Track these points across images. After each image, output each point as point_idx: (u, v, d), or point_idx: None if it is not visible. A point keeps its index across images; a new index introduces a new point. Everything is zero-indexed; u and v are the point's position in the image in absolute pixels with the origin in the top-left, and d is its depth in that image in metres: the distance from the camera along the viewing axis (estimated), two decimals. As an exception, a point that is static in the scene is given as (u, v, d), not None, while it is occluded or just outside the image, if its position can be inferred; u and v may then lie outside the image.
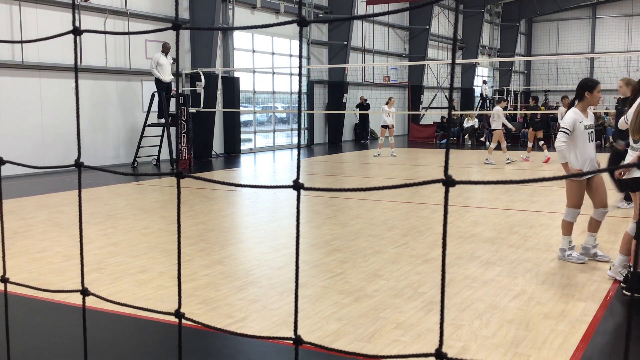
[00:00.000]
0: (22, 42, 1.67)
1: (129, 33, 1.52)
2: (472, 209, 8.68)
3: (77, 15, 13.78)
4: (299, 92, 1.17)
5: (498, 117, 14.77)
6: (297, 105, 21.44)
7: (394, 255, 6.05)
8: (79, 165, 1.50)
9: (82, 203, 9.05)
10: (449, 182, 1.05)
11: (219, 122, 17.53)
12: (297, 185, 1.15)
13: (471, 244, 6.55)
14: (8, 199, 9.65)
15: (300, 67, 1.21)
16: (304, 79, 21.62)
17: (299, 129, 1.20)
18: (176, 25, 1.30)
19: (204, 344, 3.92)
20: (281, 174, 13.81)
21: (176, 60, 1.64)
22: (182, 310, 4.77)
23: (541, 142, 16.29)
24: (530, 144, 16.33)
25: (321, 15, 21.62)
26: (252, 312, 4.48)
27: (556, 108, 28.25)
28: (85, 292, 1.49)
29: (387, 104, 17.13)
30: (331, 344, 3.87)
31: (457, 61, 30.66)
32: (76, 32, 1.43)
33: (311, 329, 4.13)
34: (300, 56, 1.19)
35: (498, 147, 15.28)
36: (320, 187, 1.27)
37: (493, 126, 14.97)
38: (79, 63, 14.85)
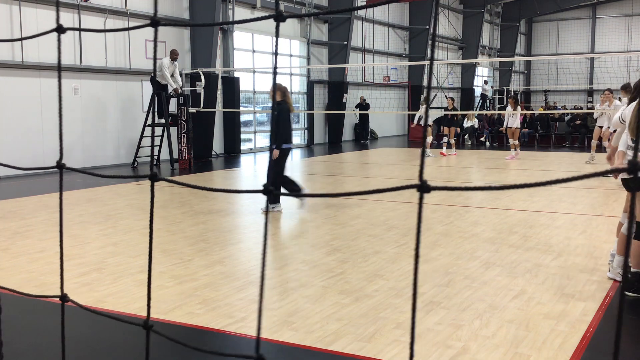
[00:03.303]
0: (7, 40, 1.66)
1: (110, 30, 1.50)
2: (472, 209, 8.69)
3: (75, 15, 13.77)
4: (273, 89, 1.16)
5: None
6: (296, 105, 21.48)
7: (394, 255, 6.05)
8: (60, 166, 1.49)
9: (83, 203, 9.03)
10: (424, 187, 0.99)
11: (219, 122, 17.53)
12: (266, 190, 1.14)
13: (471, 244, 6.55)
14: (8, 199, 9.65)
15: (275, 67, 1.21)
16: (304, 79, 21.60)
17: (276, 131, 1.19)
18: (154, 21, 1.28)
19: (204, 344, 3.92)
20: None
21: (154, 58, 1.62)
22: (181, 310, 4.75)
23: (445, 139, 17.54)
24: (452, 141, 17.48)
25: (315, 12, 21.58)
26: (252, 312, 4.48)
27: (555, 108, 28.26)
28: (64, 299, 1.48)
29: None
30: (331, 344, 3.87)
31: (458, 61, 30.69)
32: (60, 30, 1.42)
33: (311, 329, 4.13)
34: (275, 53, 1.18)
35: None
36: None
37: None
38: (78, 63, 14.84)
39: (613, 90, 14.38)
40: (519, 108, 16.42)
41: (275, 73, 1.21)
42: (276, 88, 8.92)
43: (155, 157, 14.86)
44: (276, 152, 8.27)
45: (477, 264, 5.72)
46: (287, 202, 8.89)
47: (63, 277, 1.55)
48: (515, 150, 16.21)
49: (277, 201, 8.57)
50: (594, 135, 14.84)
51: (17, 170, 12.10)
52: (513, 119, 16.31)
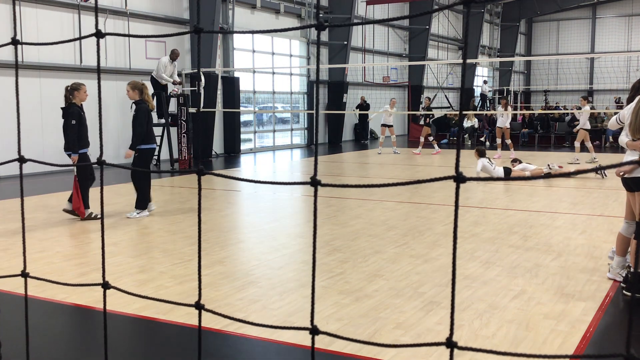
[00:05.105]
0: (43, 44, 1.67)
1: (149, 36, 1.51)
2: (472, 209, 8.68)
3: (76, 15, 13.78)
4: (317, 93, 1.18)
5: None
6: (296, 105, 21.50)
7: (394, 255, 6.05)
8: (101, 163, 1.51)
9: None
10: (460, 178, 1.09)
11: (219, 122, 17.53)
12: (314, 182, 1.17)
13: (471, 244, 6.55)
14: (8, 199, 9.66)
15: (317, 69, 1.22)
16: (304, 79, 21.61)
17: (316, 129, 1.21)
18: (198, 29, 1.31)
19: (204, 344, 3.92)
20: (281, 174, 13.81)
21: (198, 65, 1.65)
22: (182, 310, 4.75)
23: (431, 138, 18.43)
24: (421, 139, 18.27)
25: (321, 15, 21.60)
26: (252, 312, 4.48)
27: (556, 108, 28.28)
28: (106, 286, 1.50)
29: (389, 104, 18.26)
30: (331, 344, 3.87)
31: (458, 61, 30.70)
32: (99, 35, 1.44)
33: (311, 329, 4.13)
34: (318, 59, 1.20)
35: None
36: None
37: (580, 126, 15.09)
38: (78, 63, 14.82)
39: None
40: (509, 108, 16.61)
41: (317, 78, 1.22)
42: (133, 87, 8.64)
43: (155, 157, 14.86)
44: (129, 152, 7.99)
45: (477, 264, 5.72)
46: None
47: (105, 266, 1.56)
48: (509, 150, 16.36)
49: (144, 207, 8.13)
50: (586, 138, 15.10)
51: (17, 170, 12.11)
52: (503, 119, 16.45)
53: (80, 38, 1.62)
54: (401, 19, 1.22)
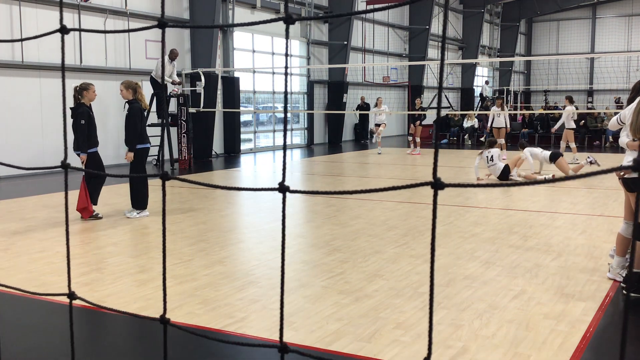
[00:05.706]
0: (10, 41, 1.67)
1: (114, 31, 1.51)
2: (472, 209, 8.68)
3: (76, 16, 13.77)
4: (285, 92, 1.17)
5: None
6: (296, 105, 21.50)
7: (394, 255, 6.05)
8: (65, 166, 1.50)
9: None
10: (437, 184, 1.04)
11: (219, 122, 17.53)
12: (282, 188, 1.15)
13: (471, 244, 6.55)
14: (8, 199, 9.66)
15: (286, 67, 1.22)
16: (304, 79, 21.61)
17: (285, 131, 1.21)
18: (162, 23, 1.29)
19: (204, 344, 3.93)
20: (281, 174, 13.78)
21: (162, 59, 1.63)
22: (182, 310, 4.75)
23: (417, 139, 17.94)
24: (417, 139, 18.01)
25: (320, 15, 21.62)
26: (252, 312, 4.48)
27: (556, 108, 28.27)
28: (72, 296, 1.49)
29: (376, 105, 18.33)
30: (331, 344, 3.87)
31: (457, 61, 30.70)
32: (63, 30, 1.43)
33: (311, 328, 4.13)
34: (286, 55, 1.19)
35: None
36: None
37: (567, 126, 15.25)
38: (78, 63, 14.82)
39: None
40: (506, 108, 16.64)
41: (286, 74, 1.22)
42: (126, 86, 8.62)
43: (155, 157, 14.87)
44: (130, 155, 7.93)
45: (477, 264, 5.72)
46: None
47: (70, 275, 1.55)
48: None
49: (143, 207, 8.13)
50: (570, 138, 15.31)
51: (17, 170, 12.12)
52: (500, 119, 16.45)
53: (44, 35, 1.61)
54: (376, 11, 1.21)
